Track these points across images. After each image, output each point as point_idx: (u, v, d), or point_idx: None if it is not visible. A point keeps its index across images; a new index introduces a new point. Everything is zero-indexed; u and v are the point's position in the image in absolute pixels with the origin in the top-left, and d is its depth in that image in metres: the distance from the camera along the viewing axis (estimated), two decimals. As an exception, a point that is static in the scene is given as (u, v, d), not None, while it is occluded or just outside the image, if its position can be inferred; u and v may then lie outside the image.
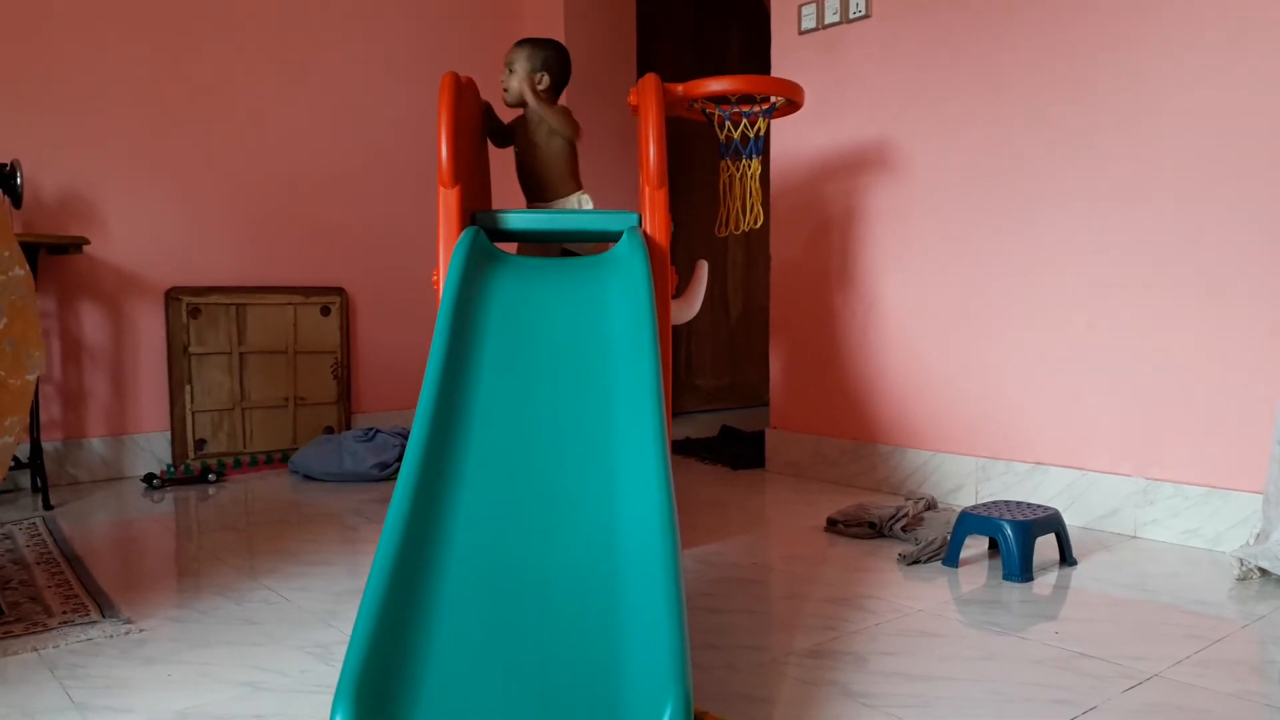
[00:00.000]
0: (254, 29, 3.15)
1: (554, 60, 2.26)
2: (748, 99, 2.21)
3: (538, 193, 2.28)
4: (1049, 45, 2.33)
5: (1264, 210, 2.00)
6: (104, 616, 1.66)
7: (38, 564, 1.99)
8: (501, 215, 2.06)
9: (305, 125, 3.27)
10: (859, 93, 2.77)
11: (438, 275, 1.96)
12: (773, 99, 2.20)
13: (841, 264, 2.84)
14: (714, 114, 2.21)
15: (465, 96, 2.07)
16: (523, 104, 2.25)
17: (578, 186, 2.29)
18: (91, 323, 2.88)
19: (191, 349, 3.03)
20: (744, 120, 2.20)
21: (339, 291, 3.34)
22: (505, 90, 2.26)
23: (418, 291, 3.47)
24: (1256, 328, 2.02)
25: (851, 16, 2.77)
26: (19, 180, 2.49)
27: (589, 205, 2.27)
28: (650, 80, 2.05)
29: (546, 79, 2.25)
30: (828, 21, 2.83)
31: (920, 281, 2.64)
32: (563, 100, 2.34)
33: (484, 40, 3.58)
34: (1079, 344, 2.30)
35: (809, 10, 2.88)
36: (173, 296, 3.00)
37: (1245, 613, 1.67)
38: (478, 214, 2.05)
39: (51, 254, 2.75)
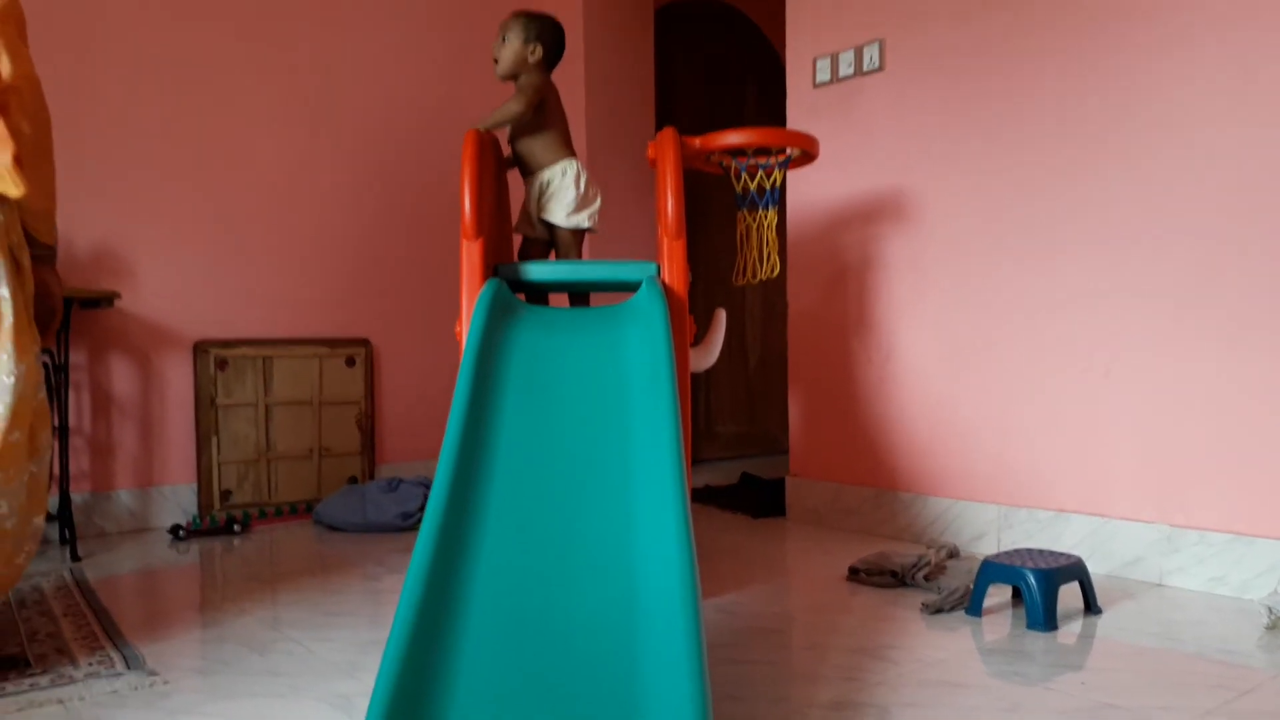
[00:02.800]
0: (284, 85, 3.24)
1: (548, 33, 2.25)
2: (764, 151, 2.25)
3: (523, 167, 2.29)
4: (1063, 91, 2.36)
5: (1280, 255, 2.00)
6: (129, 668, 1.67)
7: (65, 615, 2.01)
8: (523, 267, 2.10)
9: (332, 180, 3.35)
10: (874, 143, 2.81)
11: (460, 326, 1.99)
12: (788, 151, 2.24)
13: (859, 312, 2.86)
14: (731, 166, 2.25)
15: (488, 152, 2.12)
16: (513, 76, 2.24)
17: (564, 154, 2.26)
18: (121, 375, 2.94)
19: (219, 400, 3.07)
20: (760, 172, 2.24)
21: (364, 343, 3.38)
22: (495, 61, 2.24)
23: (441, 342, 3.52)
24: (1277, 370, 2.01)
25: (866, 69, 2.82)
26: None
27: (573, 173, 2.24)
28: (668, 134, 2.10)
29: (539, 50, 2.23)
30: (842, 74, 2.88)
31: (938, 328, 2.65)
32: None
33: (507, 91, 3.66)
34: (1098, 389, 2.30)
35: (823, 63, 2.93)
36: (201, 349, 3.05)
37: (1275, 662, 1.64)
38: (500, 266, 2.09)
39: (84, 308, 2.81)
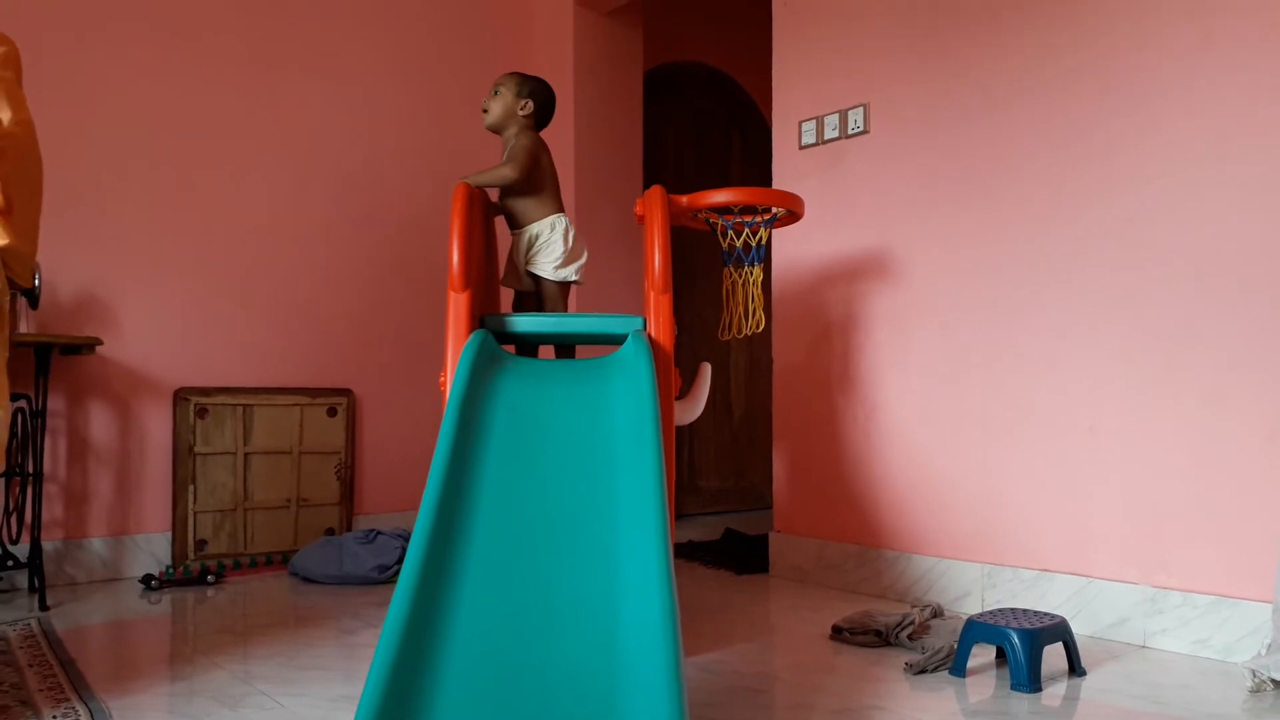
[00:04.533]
0: (269, 135, 3.27)
1: (540, 93, 2.29)
2: (750, 209, 2.28)
3: (511, 220, 2.31)
4: (1044, 154, 2.41)
5: (1259, 316, 2.03)
6: (95, 721, 1.63)
7: (30, 666, 1.96)
8: (509, 319, 2.10)
9: (317, 229, 3.36)
10: (858, 203, 2.85)
11: (445, 377, 1.98)
12: (774, 210, 2.27)
13: (842, 368, 2.87)
14: (717, 223, 2.28)
15: (477, 205, 2.14)
16: (500, 129, 2.27)
17: (554, 210, 2.28)
18: (99, 422, 2.91)
19: (197, 449, 3.04)
20: (746, 230, 2.27)
21: (346, 393, 3.37)
22: (484, 112, 2.28)
23: (424, 393, 3.50)
24: (1256, 432, 2.03)
25: (850, 132, 2.87)
26: (37, 282, 2.55)
27: (561, 228, 2.26)
28: (656, 192, 2.12)
29: (530, 105, 2.27)
30: (827, 137, 2.94)
31: (921, 386, 2.67)
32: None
33: (494, 150, 3.71)
34: (1081, 448, 2.31)
35: (809, 126, 2.99)
36: (181, 396, 3.03)
37: (1260, 727, 1.63)
38: (486, 317, 2.09)
39: (64, 354, 2.79)
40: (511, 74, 2.31)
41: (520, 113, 2.26)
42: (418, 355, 3.53)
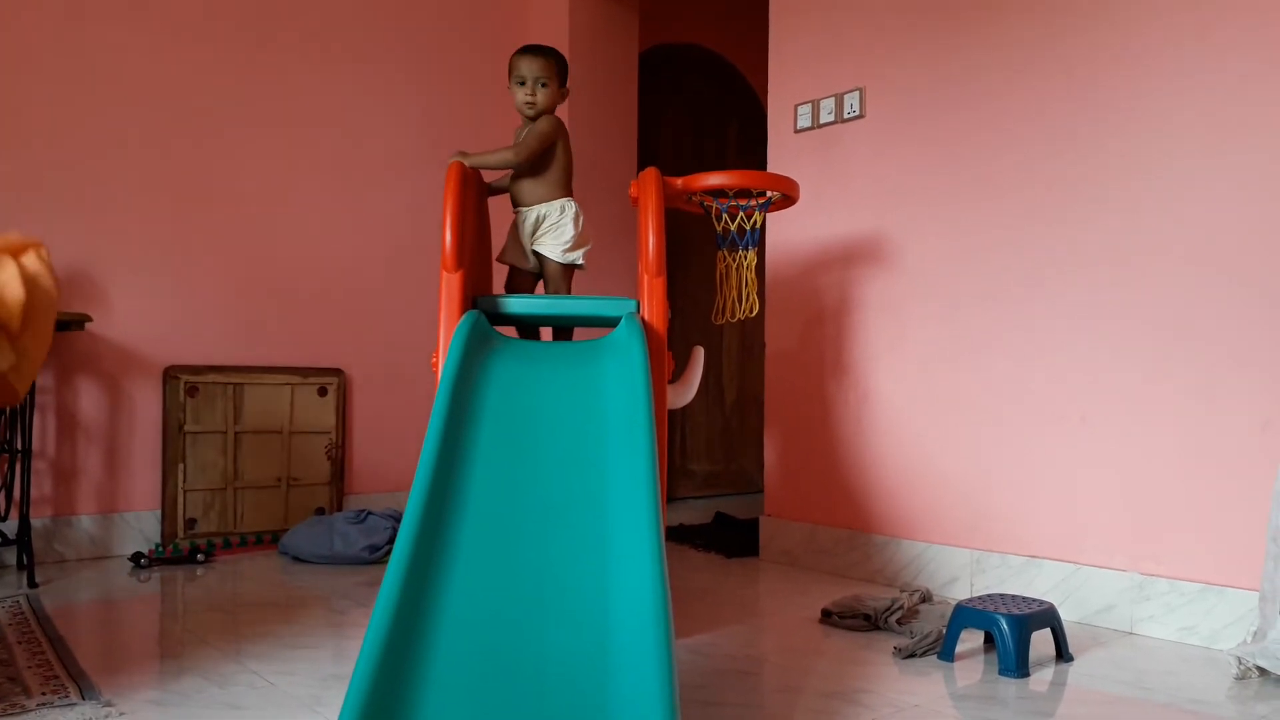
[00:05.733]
0: (262, 113, 3.24)
1: (567, 70, 2.28)
2: (745, 193, 2.27)
3: (517, 197, 2.29)
4: (1040, 142, 2.41)
5: (1252, 308, 2.04)
6: (84, 698, 1.62)
7: (19, 643, 1.95)
8: (502, 300, 2.09)
9: (309, 209, 3.34)
10: (853, 188, 2.85)
11: (437, 358, 1.98)
12: (769, 193, 2.26)
13: (835, 353, 2.87)
14: (712, 206, 2.27)
15: (470, 184, 2.13)
16: (538, 116, 2.24)
17: (564, 193, 2.27)
18: (89, 400, 2.89)
19: (187, 427, 3.03)
20: (740, 213, 2.26)
21: (337, 372, 3.35)
22: (531, 104, 2.21)
23: (416, 374, 3.49)
24: (1247, 423, 2.03)
25: (846, 116, 2.86)
26: (27, 258, 2.53)
27: (571, 212, 2.25)
28: (650, 174, 2.11)
29: (567, 93, 2.28)
30: (823, 121, 2.92)
31: (914, 372, 2.67)
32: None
33: (488, 127, 3.68)
34: (1072, 437, 2.32)
35: (805, 110, 2.98)
36: (171, 375, 3.01)
37: (1245, 713, 1.65)
38: (479, 298, 2.08)
39: (53, 330, 2.76)
40: (545, 58, 2.23)
41: (561, 101, 2.26)
42: (409, 335, 3.52)
